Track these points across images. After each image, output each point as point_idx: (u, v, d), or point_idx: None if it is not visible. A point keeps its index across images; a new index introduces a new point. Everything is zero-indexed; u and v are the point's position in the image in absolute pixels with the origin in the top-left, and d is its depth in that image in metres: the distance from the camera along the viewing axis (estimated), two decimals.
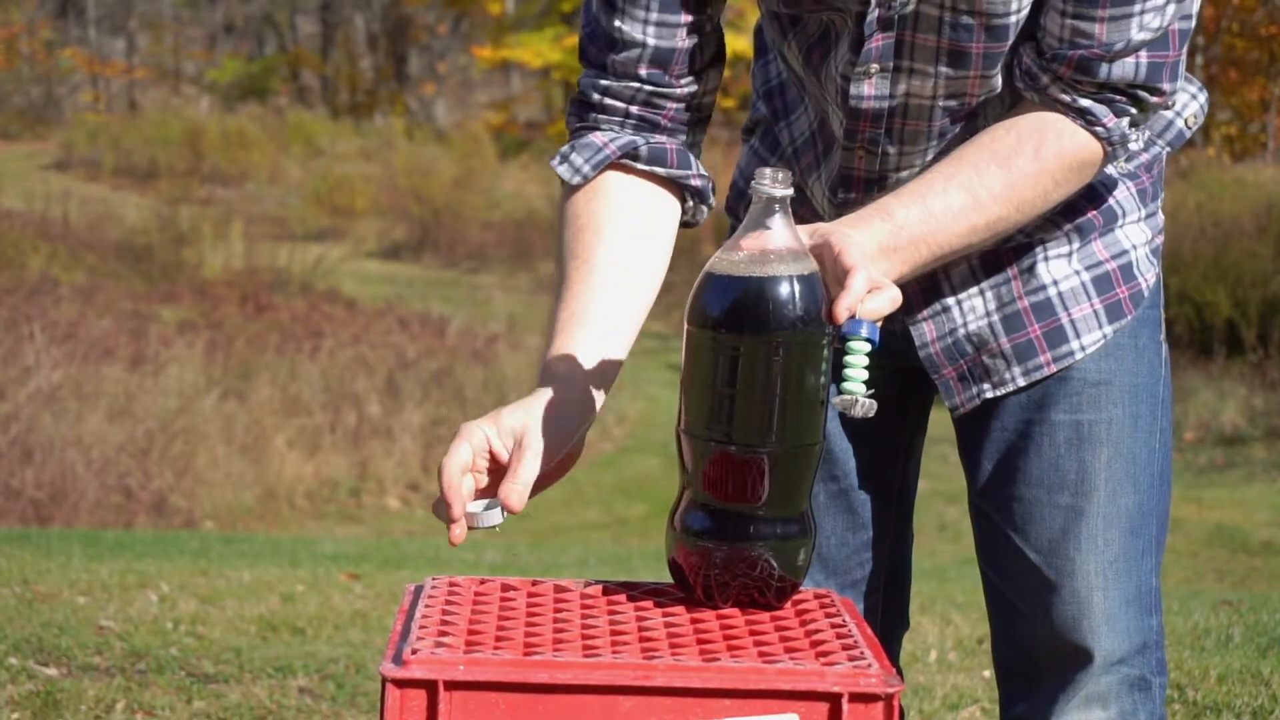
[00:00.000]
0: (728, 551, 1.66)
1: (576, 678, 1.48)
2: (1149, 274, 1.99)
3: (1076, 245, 1.95)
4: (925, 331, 1.98)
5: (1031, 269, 1.94)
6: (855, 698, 1.48)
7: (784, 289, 1.61)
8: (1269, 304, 13.98)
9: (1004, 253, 1.93)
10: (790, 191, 1.64)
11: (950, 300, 1.97)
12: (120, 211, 20.48)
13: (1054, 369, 1.94)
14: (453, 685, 1.47)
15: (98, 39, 35.44)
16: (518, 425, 1.73)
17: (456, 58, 32.69)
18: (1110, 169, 1.92)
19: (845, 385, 1.65)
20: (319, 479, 11.68)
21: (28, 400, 11.00)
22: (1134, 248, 1.98)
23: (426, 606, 1.64)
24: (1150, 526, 1.98)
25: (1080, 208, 1.94)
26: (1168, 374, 2.03)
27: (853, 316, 1.64)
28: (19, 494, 10.25)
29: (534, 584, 1.76)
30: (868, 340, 1.64)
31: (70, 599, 4.99)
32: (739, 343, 1.61)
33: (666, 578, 1.74)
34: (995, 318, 1.95)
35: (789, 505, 1.67)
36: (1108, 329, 1.95)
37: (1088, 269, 1.95)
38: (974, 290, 1.95)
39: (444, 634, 1.55)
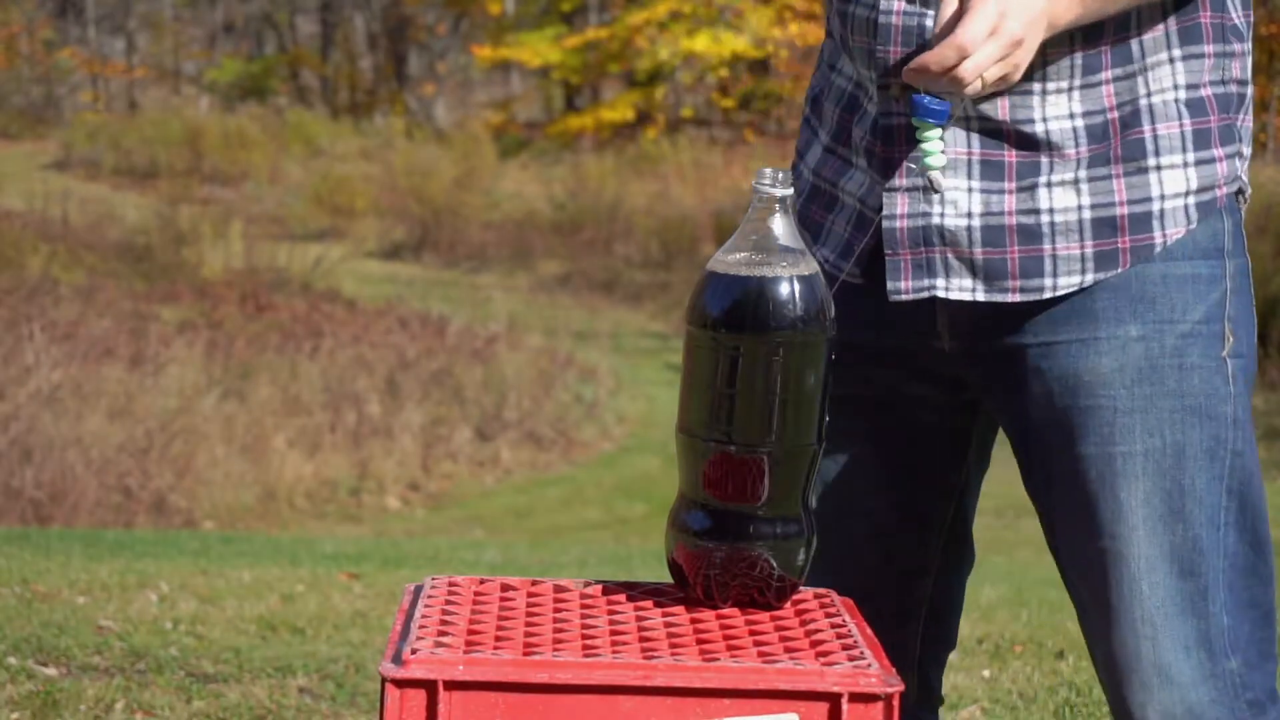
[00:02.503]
0: (728, 551, 1.66)
1: (576, 678, 1.48)
2: (1172, 230, 1.79)
3: (1085, 174, 1.78)
4: (898, 203, 1.79)
5: (1032, 189, 1.78)
6: (855, 698, 1.48)
7: (784, 289, 1.61)
8: (1269, 304, 13.97)
9: (1006, 155, 1.78)
10: (790, 191, 1.64)
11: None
12: (120, 211, 20.48)
13: (1017, 298, 1.78)
14: (452, 685, 1.47)
15: (97, 39, 35.43)
16: None
17: (456, 57, 32.69)
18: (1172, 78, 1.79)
19: (926, 160, 1.69)
20: (319, 479, 11.69)
21: (28, 400, 11.00)
22: (1162, 197, 1.79)
23: (426, 606, 1.64)
24: (1214, 561, 1.79)
25: (1102, 131, 1.78)
26: (1241, 389, 1.81)
27: (927, 94, 1.64)
28: (19, 494, 10.25)
29: (534, 584, 1.76)
30: (935, 117, 1.67)
31: (70, 599, 4.99)
32: (739, 343, 1.62)
33: (666, 578, 1.74)
34: (976, 223, 1.78)
35: (789, 505, 1.67)
36: (1090, 276, 1.78)
37: (1093, 206, 1.78)
38: (962, 183, 1.78)
39: (444, 634, 1.55)
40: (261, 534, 9.62)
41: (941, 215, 1.78)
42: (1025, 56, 1.66)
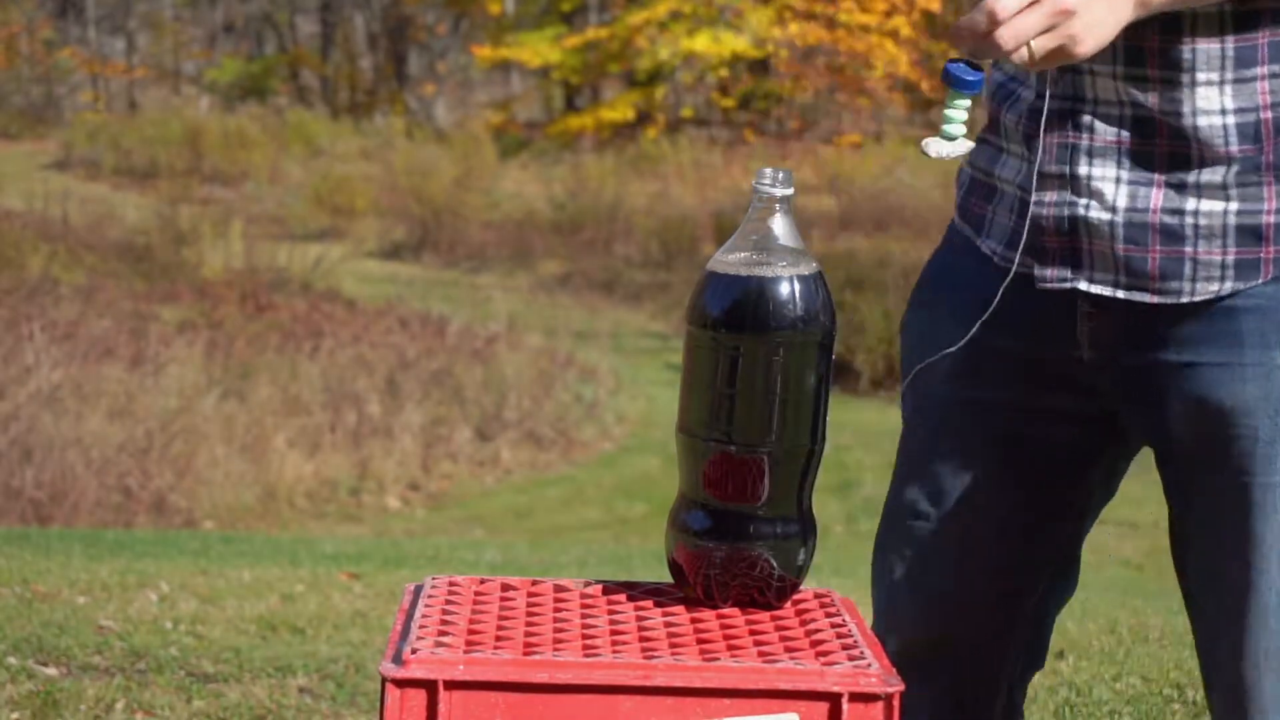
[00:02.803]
0: (728, 551, 1.66)
1: (576, 678, 1.48)
2: None
3: (1234, 177, 1.72)
4: (1047, 190, 1.78)
5: (1179, 187, 1.73)
6: (855, 697, 1.48)
7: (784, 289, 1.61)
8: None
9: (1158, 147, 1.73)
10: (790, 191, 1.64)
11: (1083, 170, 1.76)
12: (120, 211, 20.47)
13: (1155, 299, 1.74)
14: (452, 685, 1.47)
15: (98, 39, 35.42)
16: None
17: (456, 57, 32.68)
18: None
19: (948, 129, 1.66)
20: (319, 479, 11.68)
21: (28, 400, 11.00)
22: None
23: (426, 606, 1.64)
24: None
25: (1254, 132, 1.72)
26: None
27: (962, 61, 1.61)
28: (19, 494, 10.24)
29: (534, 584, 1.76)
30: (960, 85, 1.64)
31: (70, 599, 4.99)
32: (739, 343, 1.62)
33: (666, 578, 1.74)
34: (1120, 218, 1.74)
35: (788, 505, 1.67)
36: (1229, 285, 1.73)
37: (1239, 211, 1.73)
38: (1110, 173, 1.74)
39: (444, 634, 1.55)
40: (261, 534, 9.62)
41: (1087, 206, 1.75)
42: (1083, 29, 1.60)
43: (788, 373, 1.62)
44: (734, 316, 1.62)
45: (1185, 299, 1.74)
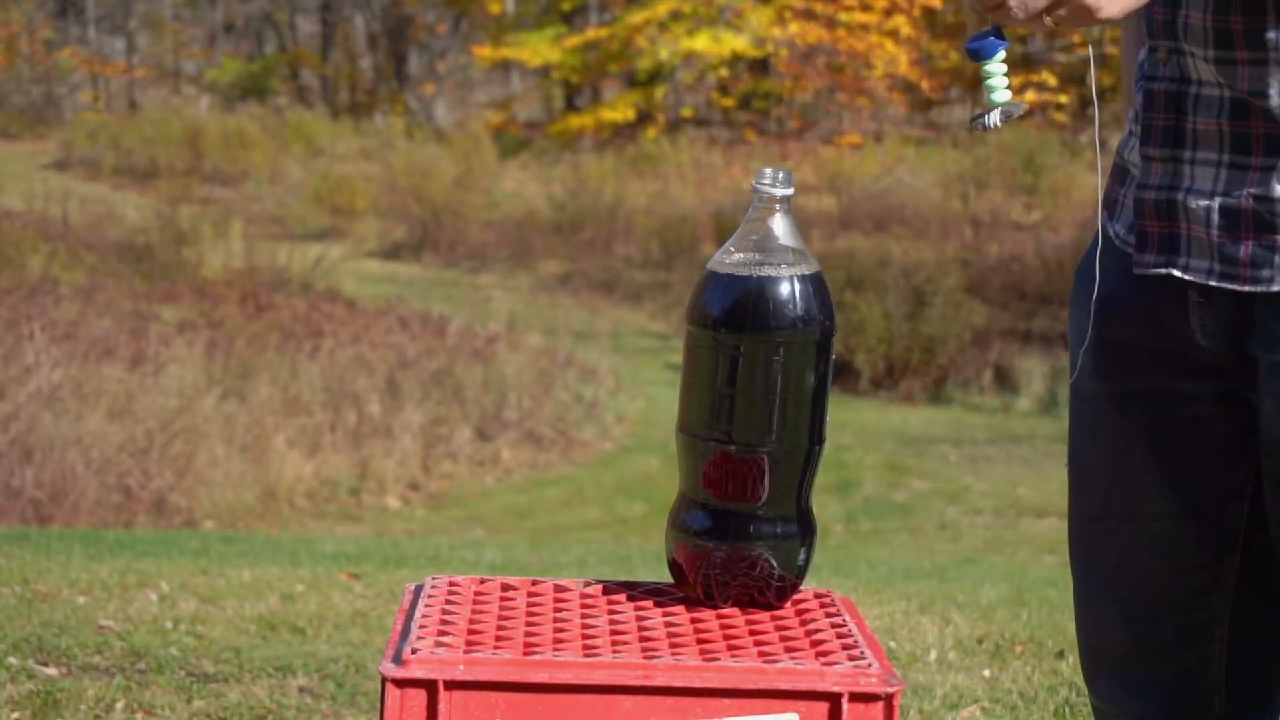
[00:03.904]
0: (728, 551, 1.66)
1: (576, 678, 1.48)
2: None
3: None
4: (1152, 172, 1.77)
5: (1272, 170, 1.71)
6: (855, 697, 1.48)
7: (784, 289, 1.61)
8: None
9: (1254, 130, 1.71)
10: (790, 191, 1.64)
11: (1186, 154, 1.75)
12: (120, 211, 20.47)
13: (1247, 287, 1.73)
14: (453, 685, 1.47)
15: (97, 39, 35.43)
16: None
17: (456, 57, 32.69)
18: None
19: (993, 98, 1.64)
20: (319, 479, 11.68)
21: (28, 400, 11.00)
22: None
23: (426, 606, 1.64)
24: None
25: None
26: None
27: (987, 34, 1.60)
28: (19, 494, 10.24)
29: (534, 584, 1.76)
30: (973, 55, 1.63)
31: (70, 598, 4.99)
32: (739, 342, 1.61)
33: (666, 578, 1.74)
34: (1216, 203, 1.73)
35: (788, 505, 1.67)
36: None
37: None
38: (1213, 155, 1.73)
39: (444, 634, 1.55)
40: (261, 534, 9.62)
41: (1187, 191, 1.75)
42: (1114, 10, 1.59)
43: (787, 372, 1.62)
44: (734, 316, 1.62)
45: (1276, 286, 1.72)
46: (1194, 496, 1.86)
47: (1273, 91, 1.69)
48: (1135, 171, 1.83)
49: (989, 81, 1.65)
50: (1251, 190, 1.71)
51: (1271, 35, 1.68)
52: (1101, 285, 1.83)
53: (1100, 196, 1.89)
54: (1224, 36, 1.69)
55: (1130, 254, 1.81)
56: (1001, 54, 1.64)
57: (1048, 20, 1.60)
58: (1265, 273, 1.72)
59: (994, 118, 1.65)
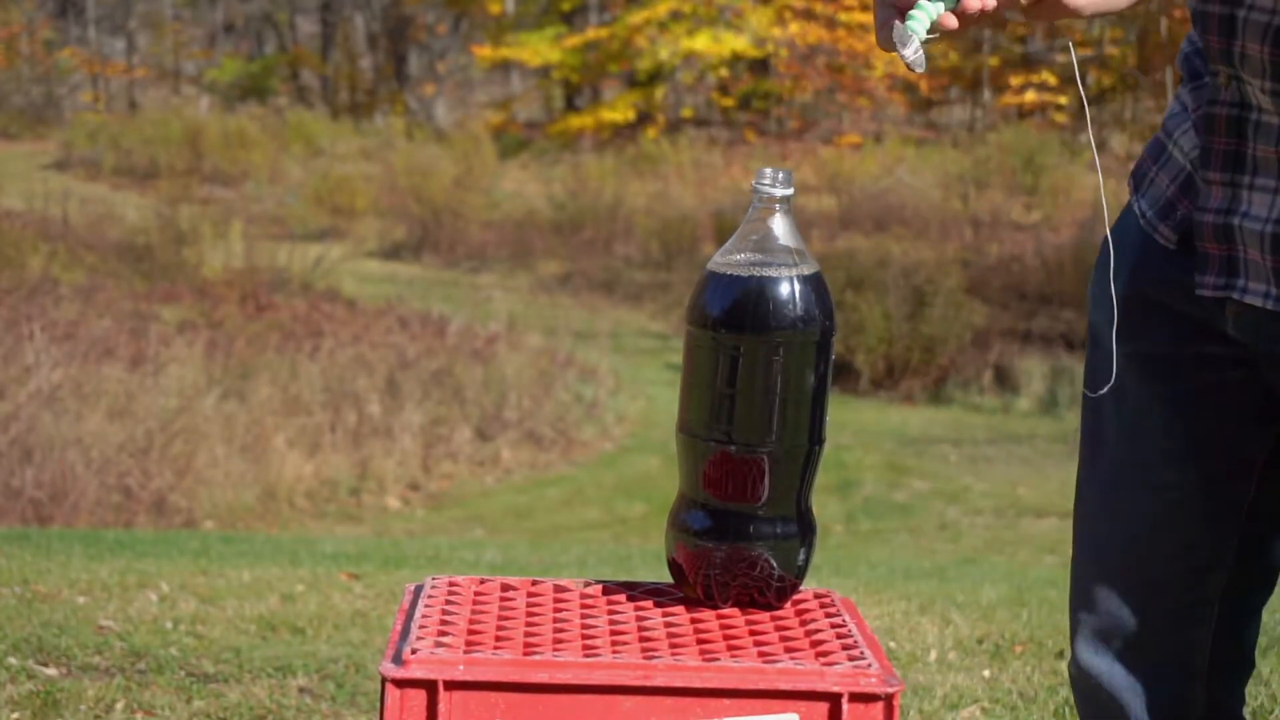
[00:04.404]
0: (728, 551, 1.66)
1: (576, 678, 1.48)
2: None
3: None
4: (1213, 195, 1.77)
5: None
6: (855, 697, 1.48)
7: (784, 289, 1.61)
8: None
9: None
10: (790, 191, 1.64)
11: (1245, 179, 1.75)
12: (120, 211, 20.47)
13: None
14: (452, 685, 1.47)
15: (98, 39, 35.43)
16: None
17: (456, 57, 32.70)
18: None
19: (909, 23, 1.59)
20: (319, 479, 11.68)
21: (28, 400, 11.00)
22: None
23: (426, 606, 1.64)
24: None
25: None
26: None
27: None
28: (19, 494, 10.24)
29: (534, 584, 1.76)
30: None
31: (70, 599, 4.99)
32: (739, 343, 1.61)
33: (666, 578, 1.74)
34: (1269, 229, 1.73)
35: (788, 505, 1.67)
36: None
37: None
38: (1271, 182, 1.73)
39: (444, 634, 1.55)
40: (261, 534, 9.62)
41: (1244, 216, 1.75)
42: None
43: (787, 373, 1.62)
44: (734, 316, 1.61)
45: None
46: (1206, 468, 1.86)
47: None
48: (1179, 157, 1.83)
49: (917, 13, 1.60)
50: None
51: None
52: (1129, 252, 1.84)
53: (1103, 191, 1.89)
54: (1278, 68, 1.69)
55: (1149, 232, 1.82)
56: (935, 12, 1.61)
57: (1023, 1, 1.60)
58: None
59: (910, 49, 1.60)
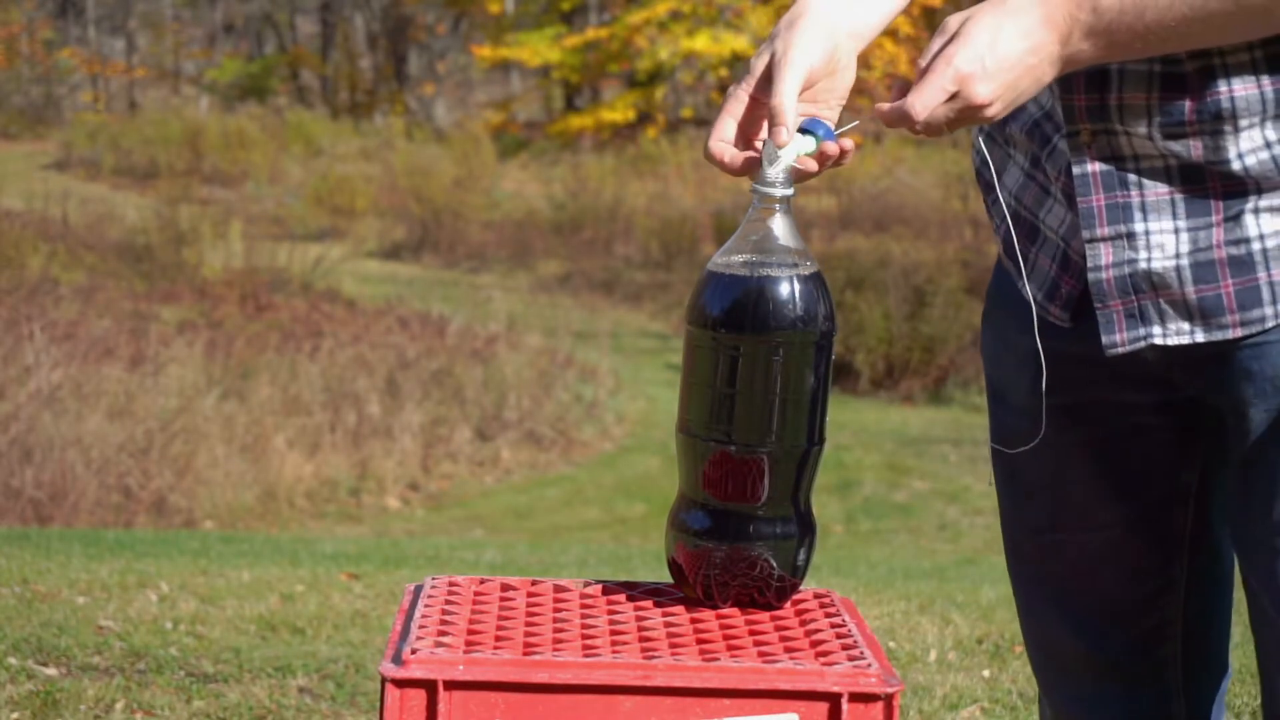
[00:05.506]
0: (728, 551, 1.66)
1: (576, 678, 1.48)
2: None
3: None
4: (1101, 254, 1.74)
5: (1238, 217, 1.70)
6: (855, 697, 1.48)
7: (784, 289, 1.61)
8: None
9: (1211, 190, 1.71)
10: (790, 191, 1.64)
11: (1139, 227, 1.73)
12: (120, 211, 20.46)
13: (1239, 333, 1.71)
14: (452, 685, 1.47)
15: (97, 39, 35.44)
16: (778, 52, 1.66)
17: (456, 57, 32.70)
18: None
19: (771, 165, 1.62)
20: (319, 479, 11.68)
21: (28, 400, 11.00)
22: None
23: (426, 606, 1.64)
24: None
25: None
26: None
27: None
28: (19, 494, 10.24)
29: (534, 584, 1.76)
30: (813, 137, 1.63)
31: (70, 599, 4.99)
32: (739, 343, 1.62)
33: (666, 578, 1.74)
34: (1185, 262, 1.71)
35: (788, 505, 1.67)
36: None
37: None
38: (1168, 224, 1.71)
39: (444, 634, 1.55)
40: (261, 534, 9.62)
41: (1149, 260, 1.72)
42: (999, 110, 1.62)
43: (787, 373, 1.62)
44: (734, 316, 1.62)
45: (1271, 323, 1.72)
46: (1141, 503, 1.86)
47: (1232, 155, 1.69)
48: (1052, 236, 1.81)
49: (784, 153, 1.62)
50: (1223, 239, 1.71)
51: (1225, 104, 1.68)
52: (1025, 312, 1.82)
53: (1000, 242, 1.89)
54: (1170, 110, 1.69)
55: (1043, 316, 1.80)
56: (814, 146, 1.64)
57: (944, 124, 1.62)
58: (1255, 313, 1.72)
59: (775, 167, 1.62)
